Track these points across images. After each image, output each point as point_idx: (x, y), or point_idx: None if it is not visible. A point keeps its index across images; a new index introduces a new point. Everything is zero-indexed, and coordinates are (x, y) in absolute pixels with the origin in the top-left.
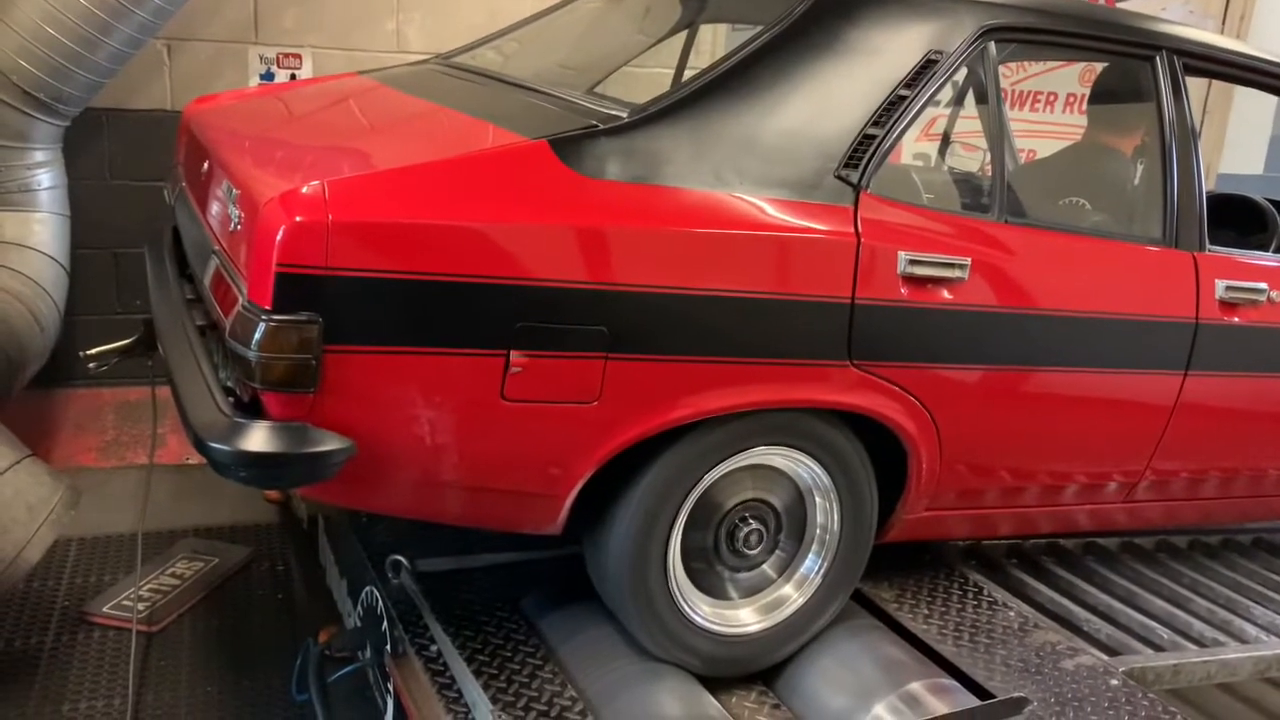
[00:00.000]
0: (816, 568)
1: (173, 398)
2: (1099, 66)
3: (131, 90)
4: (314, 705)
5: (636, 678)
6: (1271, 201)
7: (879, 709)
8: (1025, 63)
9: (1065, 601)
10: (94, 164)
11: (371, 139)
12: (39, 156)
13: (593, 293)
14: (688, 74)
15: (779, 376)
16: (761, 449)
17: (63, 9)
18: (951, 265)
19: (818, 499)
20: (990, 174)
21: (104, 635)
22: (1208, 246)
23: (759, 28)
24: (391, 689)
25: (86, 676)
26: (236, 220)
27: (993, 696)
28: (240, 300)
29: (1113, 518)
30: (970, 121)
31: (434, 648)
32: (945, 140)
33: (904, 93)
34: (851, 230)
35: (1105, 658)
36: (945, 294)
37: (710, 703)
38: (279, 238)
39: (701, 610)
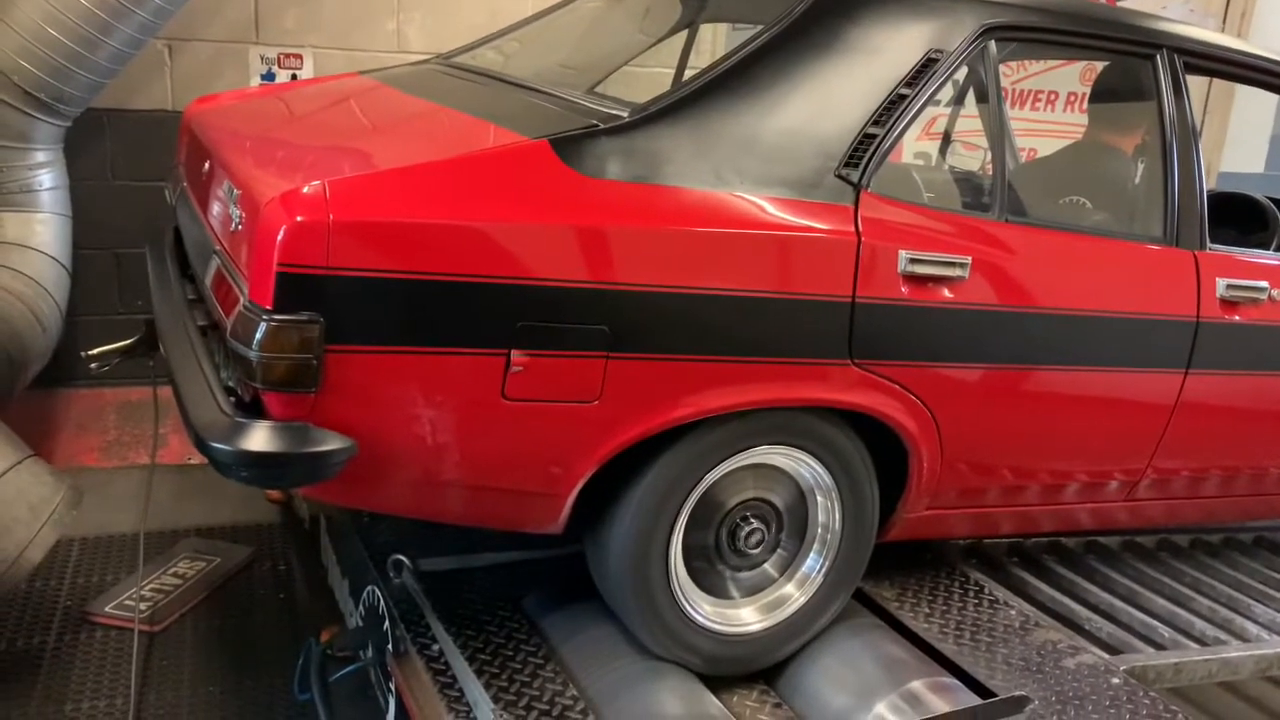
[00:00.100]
0: (818, 567)
1: (174, 398)
2: (1100, 65)
3: (132, 90)
4: (316, 705)
5: (638, 677)
6: (1272, 200)
7: (880, 708)
8: (1026, 61)
9: (1066, 600)
10: (95, 164)
11: (372, 139)
12: (40, 157)
13: (593, 292)
14: (688, 73)
15: (780, 376)
16: (763, 448)
17: (63, 9)
18: (952, 264)
19: (819, 498)
20: (991, 173)
21: (106, 635)
22: (1209, 245)
23: (759, 27)
24: (393, 688)
25: (89, 676)
26: (237, 220)
27: (994, 695)
28: (241, 300)
29: (1114, 516)
30: (971, 120)
31: (436, 647)
32: (946, 139)
33: (904, 92)
34: (852, 229)
35: (1107, 656)
36: (946, 293)
37: (712, 702)
38: (280, 237)
39: (703, 609)
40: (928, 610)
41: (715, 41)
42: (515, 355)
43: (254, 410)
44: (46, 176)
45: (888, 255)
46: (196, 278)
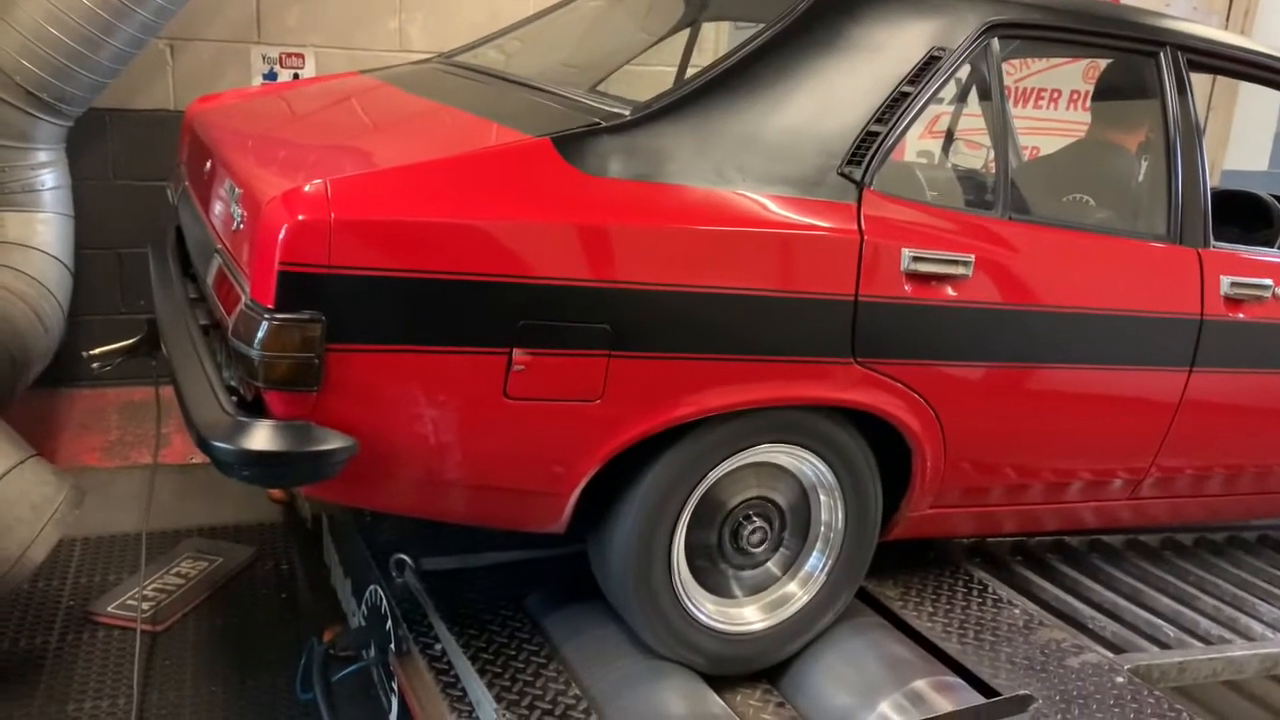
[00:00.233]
0: (821, 565)
1: (176, 397)
2: (1103, 63)
3: (134, 90)
4: (318, 704)
5: (641, 676)
6: (1276, 197)
7: (884, 707)
8: (1029, 59)
9: (1070, 599)
10: (97, 164)
11: (374, 138)
12: (42, 157)
13: (595, 291)
14: (690, 72)
15: (782, 374)
16: (765, 447)
17: (65, 9)
18: (955, 262)
19: (822, 496)
20: (994, 171)
21: (109, 635)
22: (1212, 243)
23: (761, 25)
24: (396, 688)
25: (91, 676)
26: (239, 219)
27: (998, 694)
28: (243, 299)
29: (1118, 515)
30: (974, 119)
31: (438, 646)
32: (949, 137)
33: (907, 89)
34: (855, 227)
35: (1111, 655)
36: (949, 291)
37: (715, 701)
38: (282, 236)
39: (706, 608)
40: (931, 609)
41: (718, 40)
42: (517, 354)
43: (256, 409)
44: (49, 176)
45: (890, 253)
46: (198, 277)
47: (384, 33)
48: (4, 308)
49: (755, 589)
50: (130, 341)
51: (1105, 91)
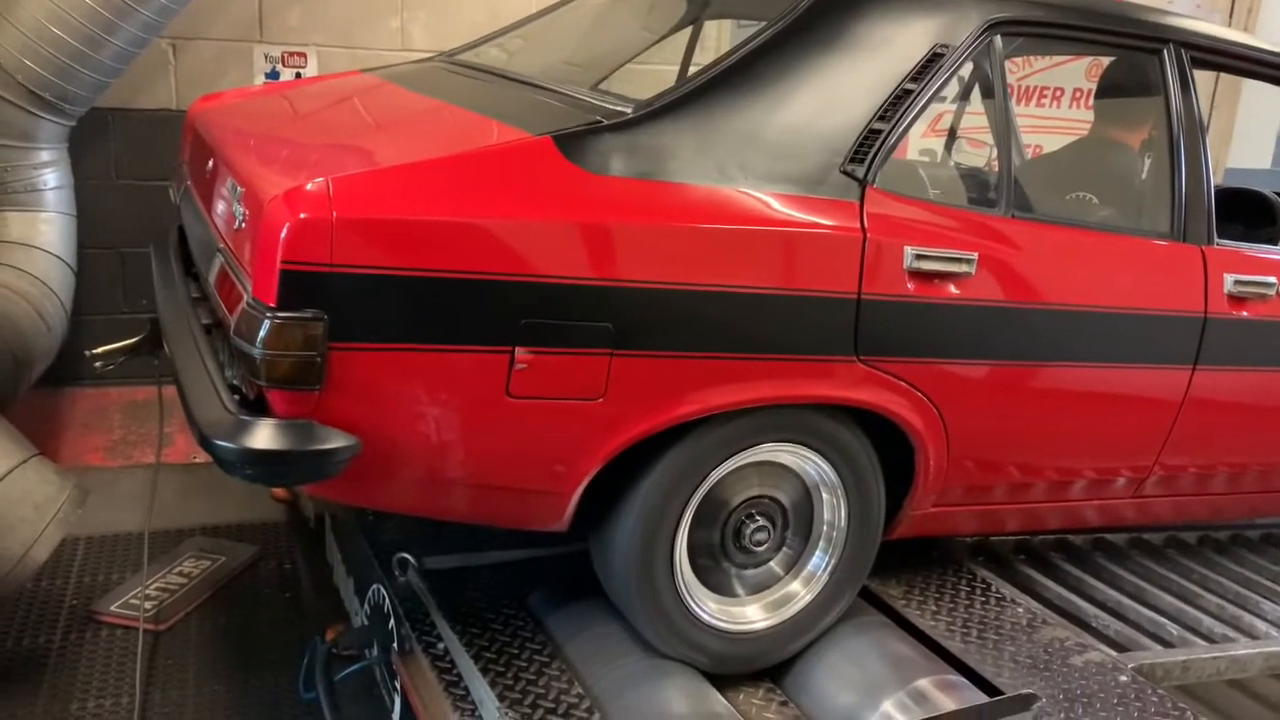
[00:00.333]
0: (824, 564)
1: (178, 396)
2: (1105, 61)
3: (137, 89)
4: (321, 703)
5: (643, 675)
6: None
7: (887, 705)
8: (1031, 57)
9: (1074, 598)
10: (100, 163)
11: (376, 136)
12: (45, 156)
13: (598, 289)
14: (692, 70)
15: (785, 372)
16: (768, 445)
17: (68, 8)
18: (958, 260)
19: (825, 495)
20: (996, 168)
21: (111, 634)
22: (1216, 240)
23: (764, 23)
24: (399, 687)
25: (94, 675)
26: (241, 218)
27: (1001, 693)
28: (245, 298)
29: (1121, 513)
30: (977, 117)
31: (441, 645)
32: (951, 135)
33: (910, 87)
34: (857, 225)
35: (1114, 654)
36: (952, 289)
37: (717, 700)
38: (283, 235)
39: (708, 607)
40: (934, 608)
41: (720, 38)
42: (519, 353)
43: (258, 408)
44: (51, 176)
45: (893, 251)
46: (201, 276)
47: (386, 32)
48: (7, 307)
49: (758, 588)
50: (133, 341)
51: (1108, 89)
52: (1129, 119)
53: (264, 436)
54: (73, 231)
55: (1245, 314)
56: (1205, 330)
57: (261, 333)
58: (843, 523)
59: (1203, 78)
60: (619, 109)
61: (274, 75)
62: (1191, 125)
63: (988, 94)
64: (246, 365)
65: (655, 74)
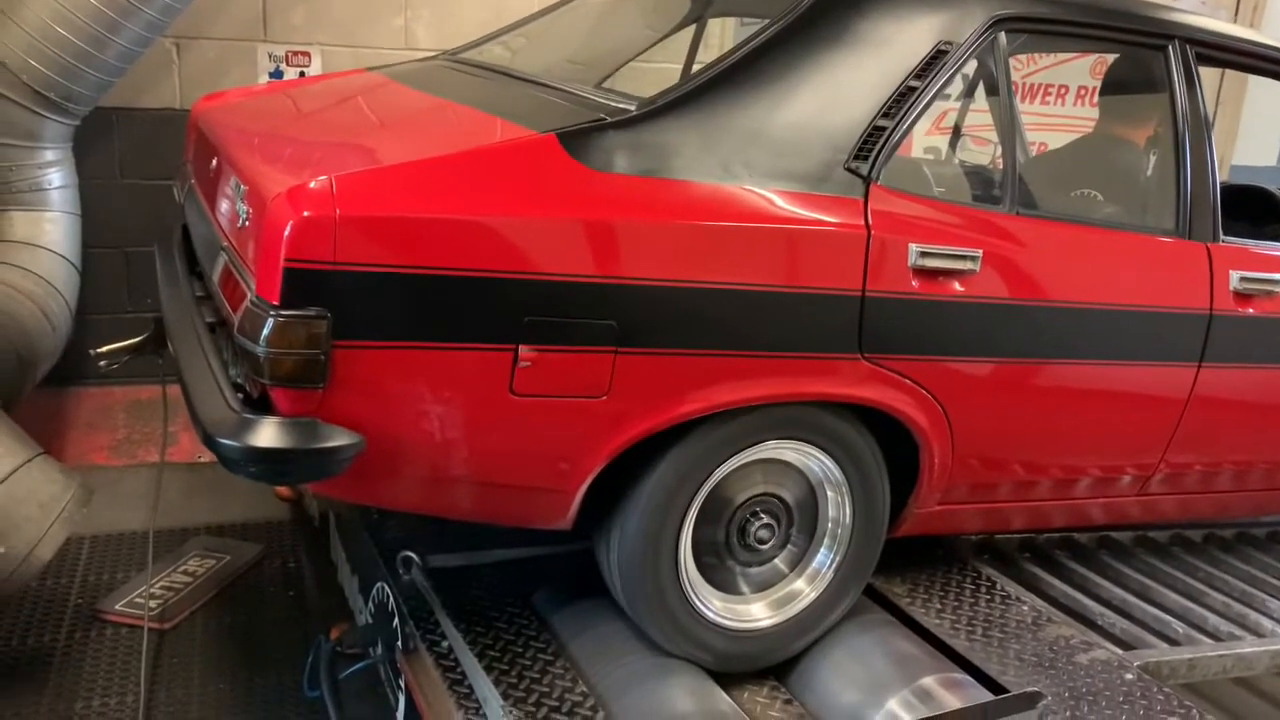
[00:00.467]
0: (828, 562)
1: (183, 395)
2: (1110, 58)
3: (140, 89)
4: (326, 702)
5: (648, 673)
6: None
7: (892, 704)
8: (1035, 55)
9: (1079, 596)
10: (104, 163)
11: (380, 134)
12: (49, 156)
13: (601, 287)
14: (696, 69)
15: (789, 370)
16: (772, 443)
17: (72, 8)
18: (963, 257)
19: (829, 493)
20: (1001, 166)
21: (116, 632)
22: (1222, 237)
23: (767, 20)
24: (403, 685)
25: (99, 673)
26: (245, 216)
27: (1006, 691)
28: (249, 296)
29: (1126, 511)
30: (981, 115)
31: (445, 644)
32: (956, 132)
33: (914, 84)
34: (861, 222)
35: (1120, 652)
36: (956, 286)
37: (722, 698)
38: (287, 233)
39: (713, 605)
40: (939, 606)
41: (723, 36)
42: (523, 350)
43: (262, 406)
44: (55, 175)
45: (898, 248)
46: (204, 275)
47: (390, 30)
48: (11, 306)
49: (762, 586)
50: (137, 340)
51: (1113, 86)
52: (1134, 116)
53: (268, 435)
54: (77, 231)
55: (1251, 311)
56: (1211, 327)
57: (265, 331)
58: (847, 520)
59: (1208, 74)
60: (623, 106)
61: (278, 74)
62: (1196, 122)
63: (992, 91)
64: (250, 363)
65: (659, 72)
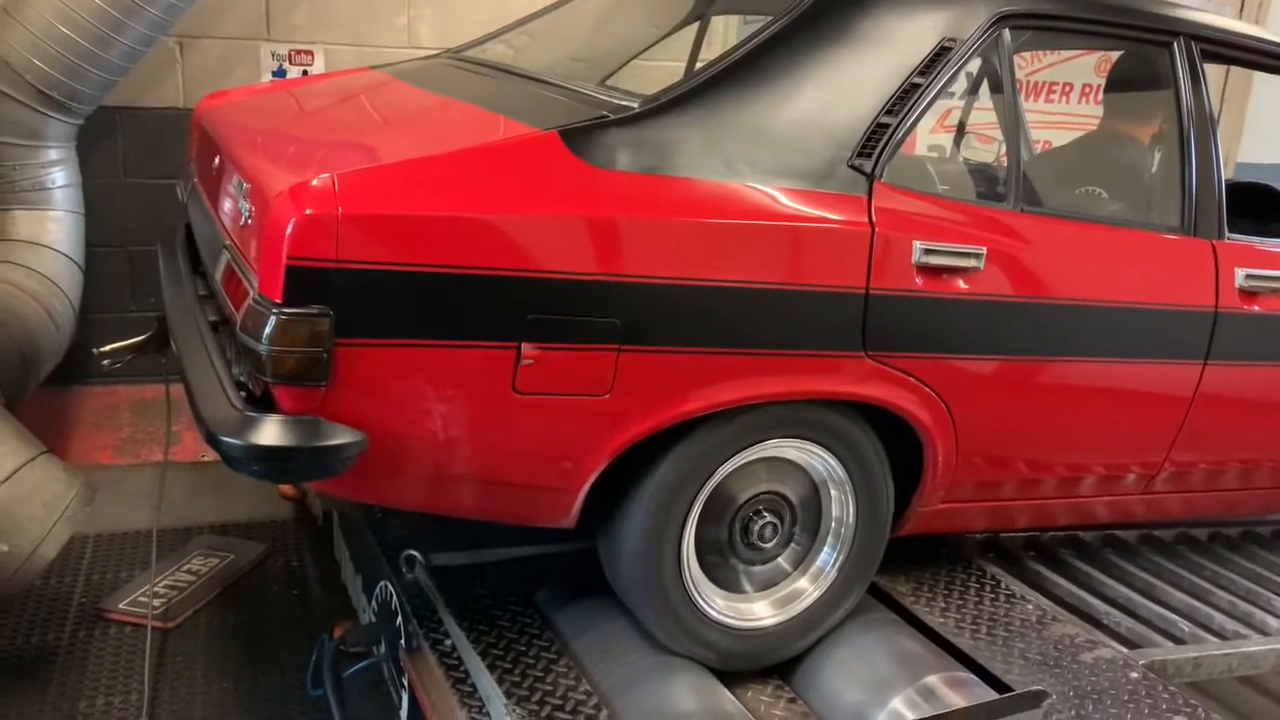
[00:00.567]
0: (832, 561)
1: (185, 393)
2: (1115, 55)
3: (144, 88)
4: (329, 700)
5: (651, 672)
6: None
7: (896, 702)
8: (1040, 53)
9: (1084, 594)
10: (107, 162)
11: (382, 132)
12: (53, 155)
13: (604, 284)
14: (699, 66)
15: (793, 368)
16: (775, 441)
17: (76, 7)
18: (967, 254)
19: (833, 491)
20: (1005, 163)
21: (120, 631)
22: (1227, 234)
23: (770, 18)
24: (406, 684)
25: (103, 672)
26: (247, 214)
27: (1011, 690)
28: (251, 294)
29: (1131, 510)
30: (985, 113)
31: (448, 642)
32: (960, 130)
33: (918, 81)
34: (865, 220)
35: (1125, 651)
36: (961, 284)
37: (726, 697)
38: (289, 230)
39: (716, 604)
40: (943, 605)
41: (727, 34)
42: (526, 348)
43: (265, 405)
44: (59, 174)
45: (901, 246)
46: (207, 273)
47: (393, 29)
48: (15, 305)
49: (766, 584)
50: (140, 339)
51: (1118, 83)
52: (1139, 113)
53: (270, 433)
54: (81, 230)
55: (1256, 308)
56: (1216, 325)
57: (267, 329)
58: (851, 519)
59: (1213, 72)
60: (625, 104)
61: (281, 73)
62: (1202, 119)
63: (996, 88)
64: (253, 362)
65: (662, 70)
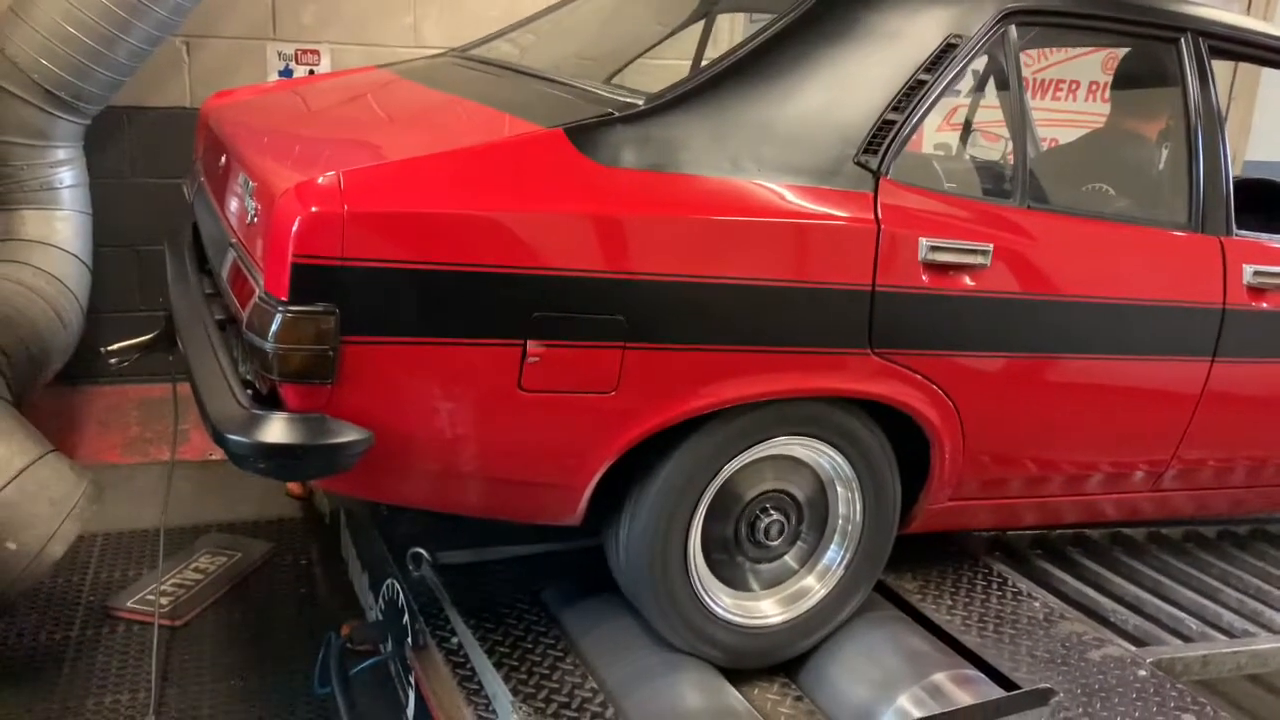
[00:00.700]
0: (839, 559)
1: (192, 392)
2: (1122, 52)
3: (151, 88)
4: (336, 698)
5: (657, 669)
6: None
7: (903, 700)
8: (1046, 50)
9: (1091, 592)
10: (115, 162)
11: (388, 131)
12: (61, 155)
13: (610, 282)
14: (704, 64)
15: (799, 365)
16: (782, 439)
17: (83, 7)
18: (973, 251)
19: (839, 489)
20: (1012, 159)
21: (128, 629)
22: (1235, 231)
23: (776, 15)
24: (413, 681)
25: (111, 670)
26: (253, 213)
27: (1018, 687)
28: (257, 292)
29: (1139, 507)
30: (992, 111)
31: (455, 640)
32: (966, 127)
33: (924, 77)
34: (871, 217)
35: (1133, 649)
36: (967, 280)
37: (732, 694)
38: (295, 228)
39: (723, 602)
40: (950, 602)
41: (733, 32)
42: (531, 346)
43: (271, 402)
44: (67, 174)
45: (908, 243)
46: (214, 272)
47: (399, 28)
48: (23, 304)
49: (772, 582)
50: (147, 337)
51: (1125, 79)
52: (1146, 109)
53: (277, 431)
54: (88, 229)
55: (1264, 305)
56: (1224, 322)
57: (274, 327)
58: (858, 517)
59: (1221, 68)
60: (630, 101)
61: (287, 72)
62: (1209, 115)
63: (1003, 85)
64: (259, 360)
65: (668, 68)
